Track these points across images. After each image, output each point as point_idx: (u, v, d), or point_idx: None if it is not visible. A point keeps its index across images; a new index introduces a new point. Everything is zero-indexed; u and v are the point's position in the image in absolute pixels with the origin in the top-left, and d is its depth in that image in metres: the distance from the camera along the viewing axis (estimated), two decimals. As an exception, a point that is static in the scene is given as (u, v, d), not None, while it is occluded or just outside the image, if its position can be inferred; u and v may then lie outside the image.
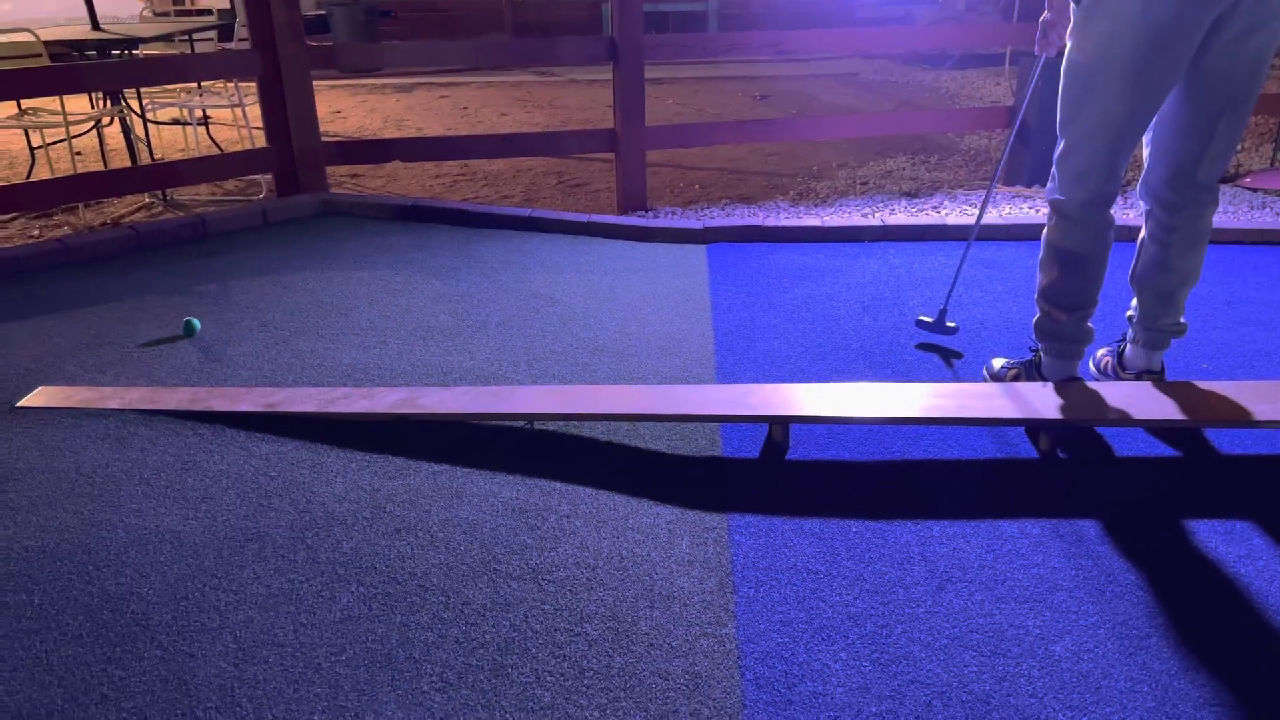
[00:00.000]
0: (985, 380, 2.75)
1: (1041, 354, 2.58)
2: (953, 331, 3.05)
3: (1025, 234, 4.08)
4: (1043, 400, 2.42)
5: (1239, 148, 5.81)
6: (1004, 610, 1.84)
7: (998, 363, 2.74)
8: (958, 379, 2.80)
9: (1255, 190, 4.80)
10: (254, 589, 1.92)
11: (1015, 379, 2.64)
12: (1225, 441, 2.43)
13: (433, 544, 2.06)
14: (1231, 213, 4.43)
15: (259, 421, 2.56)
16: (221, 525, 2.13)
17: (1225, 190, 4.84)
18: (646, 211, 4.71)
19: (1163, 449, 2.40)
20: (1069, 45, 2.28)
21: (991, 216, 4.38)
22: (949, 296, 3.10)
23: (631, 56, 4.50)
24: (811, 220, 4.29)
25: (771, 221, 4.27)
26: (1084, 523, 2.10)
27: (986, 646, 1.75)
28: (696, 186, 5.39)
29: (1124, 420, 2.32)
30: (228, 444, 2.47)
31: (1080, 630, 1.79)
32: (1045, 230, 2.46)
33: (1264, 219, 4.29)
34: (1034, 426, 2.44)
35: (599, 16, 12.29)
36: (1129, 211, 4.45)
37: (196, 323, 3.19)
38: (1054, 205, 2.41)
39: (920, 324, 3.10)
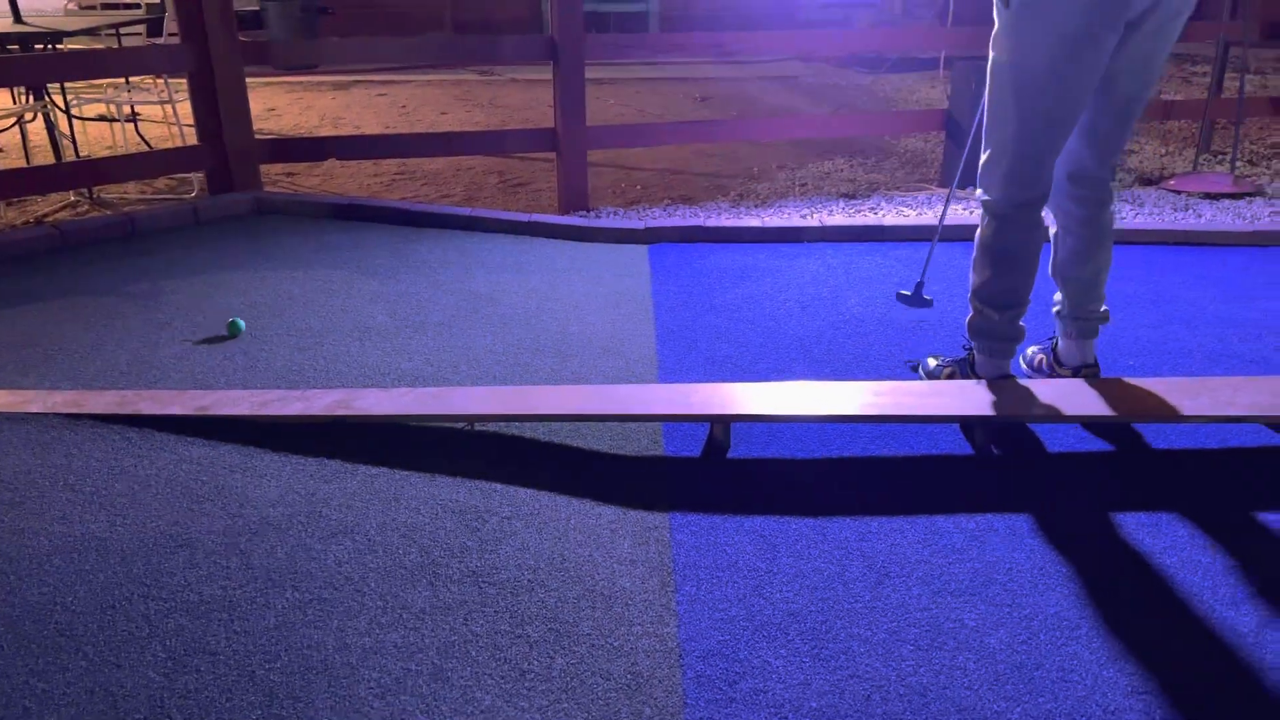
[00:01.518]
0: (920, 378, 2.79)
1: (975, 353, 2.63)
2: (929, 304, 3.32)
3: (957, 235, 4.16)
4: (977, 398, 2.46)
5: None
6: (941, 604, 1.87)
7: (933, 361, 2.78)
8: (895, 378, 2.84)
9: (1179, 193, 4.95)
10: (185, 596, 1.87)
11: (950, 377, 2.68)
12: (1152, 436, 2.50)
13: (370, 548, 2.03)
14: (1156, 214, 4.57)
15: (190, 425, 2.50)
16: (150, 532, 2.07)
17: (1150, 192, 4.99)
18: (588, 211, 4.70)
19: (1094, 444, 2.46)
20: (993, 52, 2.32)
21: (927, 218, 4.45)
22: (924, 271, 3.36)
23: (572, 56, 4.48)
24: (752, 221, 4.32)
25: (713, 222, 4.29)
26: (1017, 517, 2.15)
27: (924, 640, 1.77)
28: (638, 187, 5.40)
29: (1056, 416, 2.37)
30: (157, 448, 2.40)
31: (1015, 622, 1.82)
32: (978, 231, 2.51)
33: (1187, 221, 4.42)
34: (969, 423, 2.48)
35: (540, 15, 12.24)
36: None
37: (241, 323, 3.11)
38: (986, 206, 2.45)
39: (900, 298, 3.37)
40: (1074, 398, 2.43)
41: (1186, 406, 2.36)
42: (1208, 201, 4.77)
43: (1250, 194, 4.87)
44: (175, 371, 2.85)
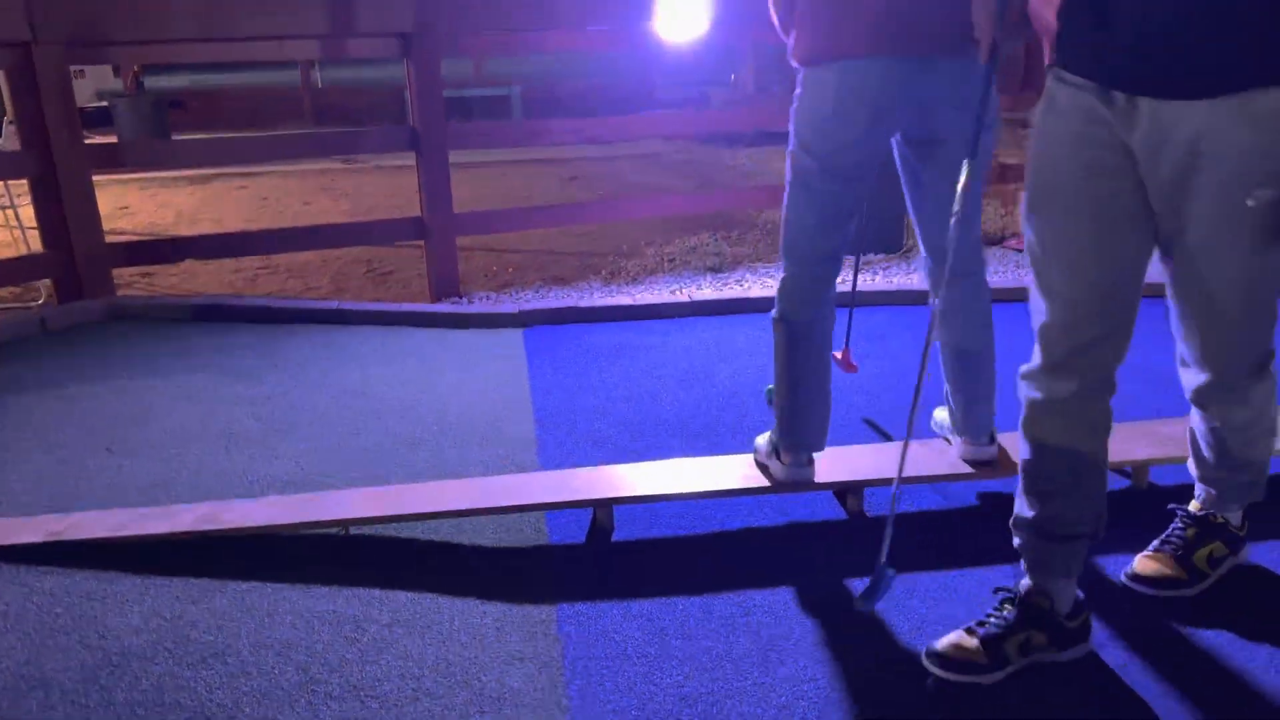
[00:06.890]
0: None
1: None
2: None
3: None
4: (847, 464, 2.54)
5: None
6: (829, 674, 1.90)
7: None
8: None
9: (1019, 251, 5.29)
10: (39, 744, 1.75)
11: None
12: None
13: (244, 670, 1.93)
14: (1000, 272, 4.86)
15: (41, 553, 2.35)
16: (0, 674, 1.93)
17: (995, 250, 5.30)
18: (460, 297, 4.69)
19: (959, 501, 2.56)
20: None
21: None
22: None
23: (434, 145, 4.52)
24: (624, 299, 4.39)
25: (586, 302, 4.34)
26: (896, 578, 2.20)
27: (812, 713, 1.80)
28: (510, 269, 5.42)
29: (920, 478, 2.47)
30: (4, 582, 2.25)
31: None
32: None
33: (1029, 278, 4.71)
34: (841, 489, 2.56)
35: (403, 101, 12.28)
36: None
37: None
38: None
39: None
40: (929, 459, 2.54)
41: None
42: (1046, 257, 5.10)
43: (1082, 248, 5.24)
44: (25, 495, 2.69)
